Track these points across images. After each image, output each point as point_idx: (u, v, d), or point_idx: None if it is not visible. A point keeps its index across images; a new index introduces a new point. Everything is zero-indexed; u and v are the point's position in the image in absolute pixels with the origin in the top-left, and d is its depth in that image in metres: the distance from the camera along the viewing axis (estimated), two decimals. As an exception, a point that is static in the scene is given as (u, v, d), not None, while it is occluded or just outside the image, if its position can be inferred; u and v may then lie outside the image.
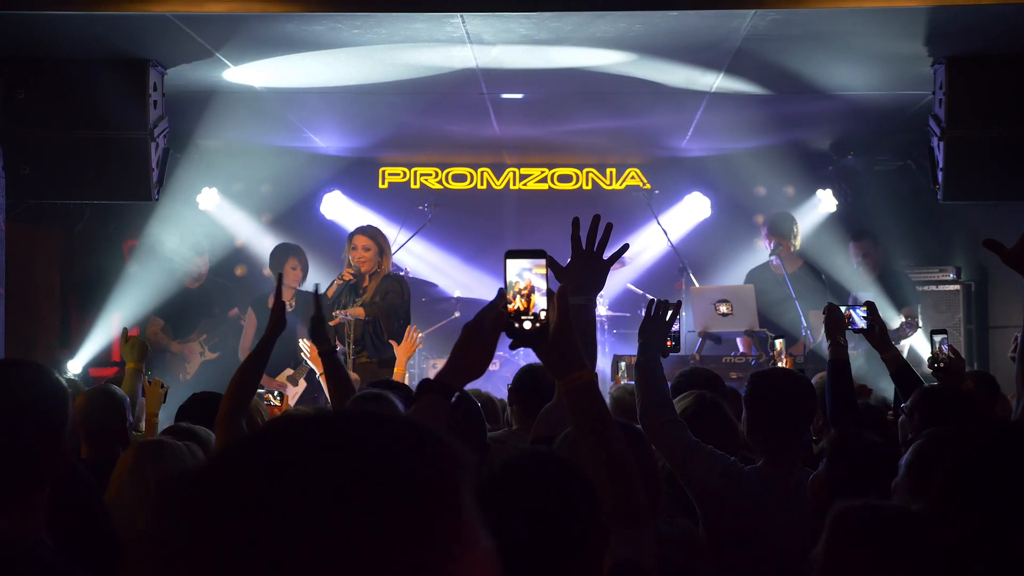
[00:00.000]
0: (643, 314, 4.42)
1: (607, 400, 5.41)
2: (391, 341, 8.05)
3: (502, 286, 2.53)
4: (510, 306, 2.52)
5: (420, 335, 6.56)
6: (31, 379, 2.64)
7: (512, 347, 2.56)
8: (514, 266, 2.53)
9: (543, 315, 2.51)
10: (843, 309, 5.64)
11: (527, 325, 2.51)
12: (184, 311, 10.48)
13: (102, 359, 10.20)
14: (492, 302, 2.54)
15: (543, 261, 2.53)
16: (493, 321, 2.52)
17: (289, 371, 9.20)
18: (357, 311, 8.45)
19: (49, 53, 7.67)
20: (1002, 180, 7.90)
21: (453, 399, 2.52)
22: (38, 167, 7.82)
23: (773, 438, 4.11)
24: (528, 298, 2.52)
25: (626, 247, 3.43)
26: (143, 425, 5.82)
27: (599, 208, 3.35)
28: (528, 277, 2.52)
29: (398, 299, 8.57)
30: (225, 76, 8.57)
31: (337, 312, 8.43)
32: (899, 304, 9.86)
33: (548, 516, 2.31)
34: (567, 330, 2.52)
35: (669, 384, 4.89)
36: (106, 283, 10.39)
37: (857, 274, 10.22)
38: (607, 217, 3.23)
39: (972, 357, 10.66)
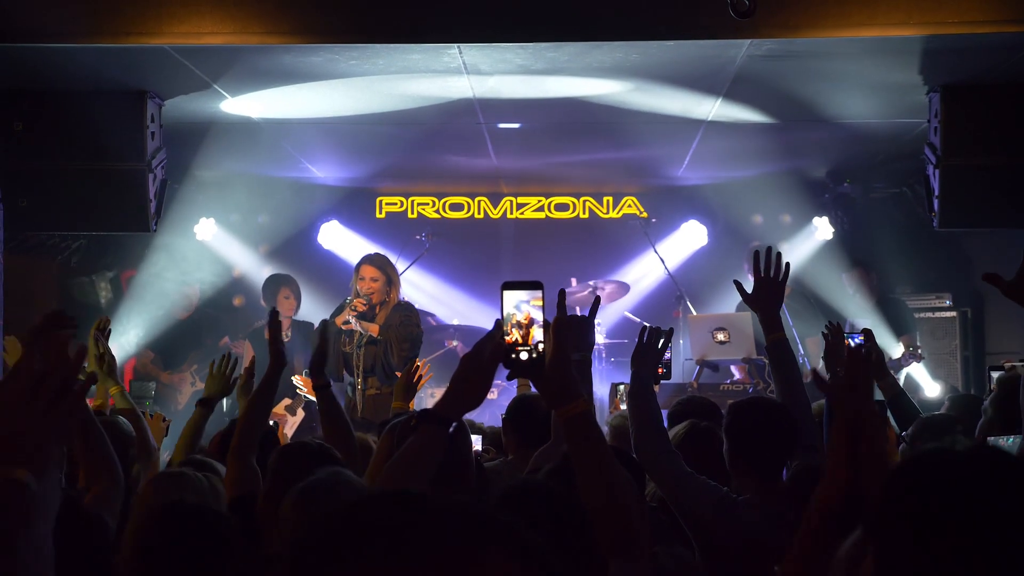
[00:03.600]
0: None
1: (604, 429, 5.44)
2: (397, 373, 7.97)
3: (499, 317, 2.54)
4: (507, 337, 2.53)
5: (429, 369, 6.48)
6: None
7: (509, 378, 2.57)
8: (511, 298, 2.54)
9: (540, 346, 2.52)
10: None
11: (524, 356, 2.52)
12: (174, 342, 10.49)
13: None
14: (490, 333, 2.56)
15: (540, 293, 2.55)
16: (491, 352, 2.53)
17: (287, 401, 9.19)
18: (372, 327, 8.38)
19: (46, 85, 7.69)
20: (997, 207, 7.91)
21: (451, 429, 2.52)
22: (36, 199, 7.82)
23: (755, 468, 4.08)
24: (525, 329, 2.53)
25: (599, 299, 3.84)
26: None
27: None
28: (525, 309, 2.53)
29: (415, 329, 8.50)
30: (223, 107, 8.60)
31: (351, 319, 8.33)
32: (897, 332, 9.86)
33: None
34: (563, 361, 2.53)
35: (666, 412, 4.90)
36: (103, 314, 10.38)
37: (854, 301, 10.23)
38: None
39: (968, 384, 10.66)
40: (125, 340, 10.27)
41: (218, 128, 9.18)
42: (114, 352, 5.69)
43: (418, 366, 6.12)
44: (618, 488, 2.56)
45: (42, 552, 1.99)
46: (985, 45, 6.97)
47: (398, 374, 7.90)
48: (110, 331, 5.55)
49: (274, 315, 4.83)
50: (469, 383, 2.55)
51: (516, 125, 9.57)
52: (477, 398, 2.56)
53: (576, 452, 2.57)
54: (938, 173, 7.89)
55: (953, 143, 7.80)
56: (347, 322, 8.35)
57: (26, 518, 1.93)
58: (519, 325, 2.53)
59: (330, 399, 4.97)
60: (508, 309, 2.54)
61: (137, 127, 7.86)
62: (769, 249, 4.61)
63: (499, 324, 2.53)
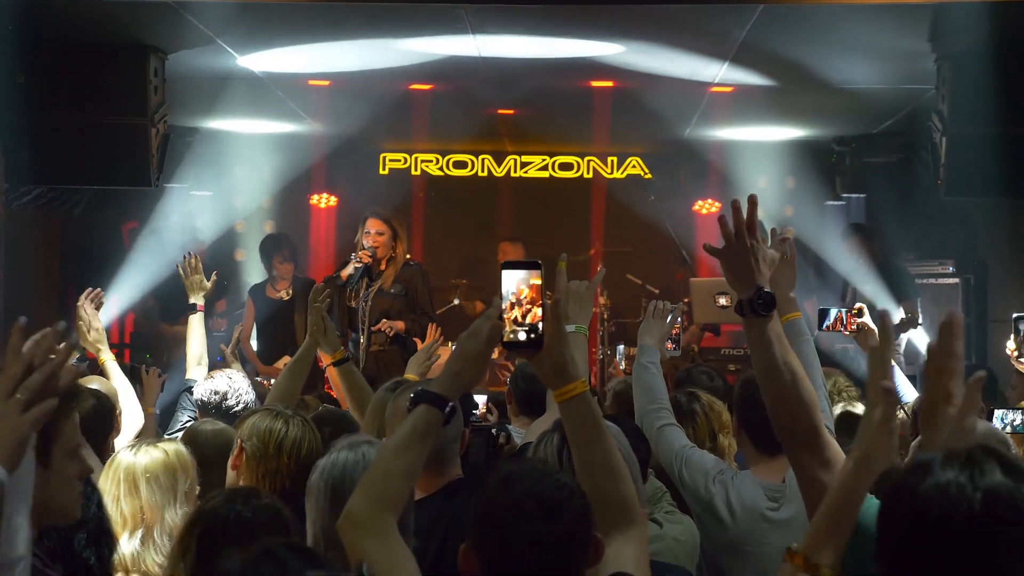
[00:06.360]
0: (643, 311, 4.44)
1: (608, 394, 5.43)
2: (415, 339, 7.82)
3: (497, 297, 2.53)
4: (506, 316, 2.52)
5: (441, 336, 6.43)
6: None
7: (507, 358, 2.58)
8: (510, 277, 2.53)
9: (539, 327, 2.51)
10: (834, 312, 5.56)
11: (522, 336, 2.51)
12: (177, 295, 10.45)
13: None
14: (487, 312, 2.55)
15: (539, 272, 2.53)
16: (489, 332, 2.52)
17: (287, 359, 9.16)
18: (398, 324, 8.22)
19: (49, 37, 7.63)
20: (1004, 177, 7.87)
21: (447, 409, 2.52)
22: (38, 152, 7.79)
23: (762, 443, 4.06)
24: (524, 309, 2.52)
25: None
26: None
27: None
28: (524, 289, 2.52)
29: (428, 308, 8.38)
30: (226, 62, 8.54)
31: (380, 324, 8.24)
32: (898, 298, 9.82)
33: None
34: (561, 342, 2.51)
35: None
36: (105, 267, 10.35)
37: (856, 268, 10.19)
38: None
39: (970, 351, 10.65)
40: (128, 292, 10.24)
41: (221, 83, 9.11)
42: (116, 303, 5.69)
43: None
44: (615, 465, 2.56)
45: (20, 534, 1.99)
46: (994, 13, 6.92)
47: (415, 340, 7.76)
48: (102, 303, 5.53)
49: (323, 287, 4.88)
50: (466, 362, 2.54)
51: (521, 84, 9.51)
52: (474, 378, 2.56)
53: (573, 433, 2.56)
54: (944, 141, 7.85)
55: (960, 111, 7.76)
56: (352, 271, 8.23)
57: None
58: (518, 304, 2.52)
59: (350, 374, 4.95)
60: (507, 288, 2.52)
61: (140, 81, 7.82)
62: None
63: (497, 304, 2.52)
